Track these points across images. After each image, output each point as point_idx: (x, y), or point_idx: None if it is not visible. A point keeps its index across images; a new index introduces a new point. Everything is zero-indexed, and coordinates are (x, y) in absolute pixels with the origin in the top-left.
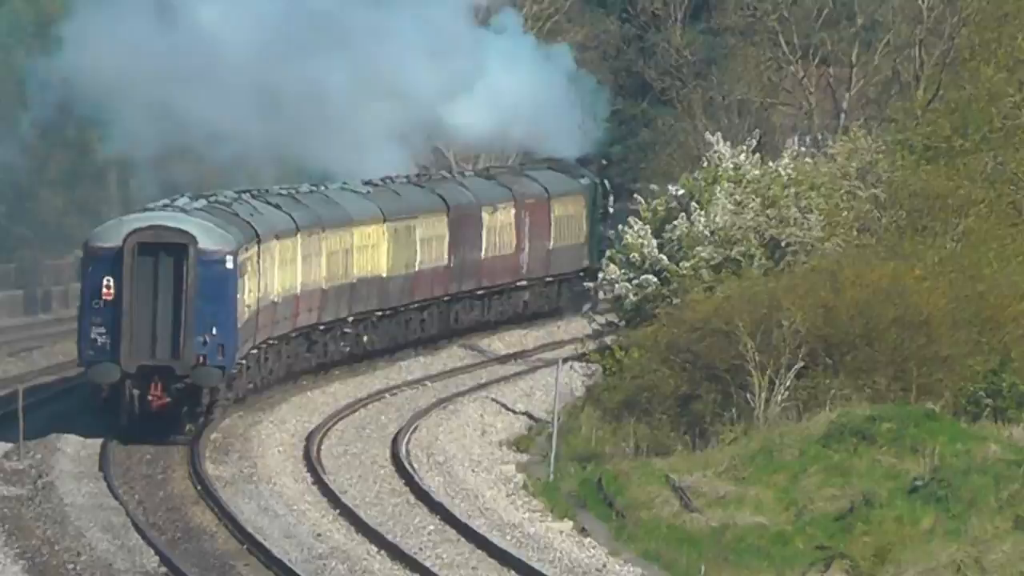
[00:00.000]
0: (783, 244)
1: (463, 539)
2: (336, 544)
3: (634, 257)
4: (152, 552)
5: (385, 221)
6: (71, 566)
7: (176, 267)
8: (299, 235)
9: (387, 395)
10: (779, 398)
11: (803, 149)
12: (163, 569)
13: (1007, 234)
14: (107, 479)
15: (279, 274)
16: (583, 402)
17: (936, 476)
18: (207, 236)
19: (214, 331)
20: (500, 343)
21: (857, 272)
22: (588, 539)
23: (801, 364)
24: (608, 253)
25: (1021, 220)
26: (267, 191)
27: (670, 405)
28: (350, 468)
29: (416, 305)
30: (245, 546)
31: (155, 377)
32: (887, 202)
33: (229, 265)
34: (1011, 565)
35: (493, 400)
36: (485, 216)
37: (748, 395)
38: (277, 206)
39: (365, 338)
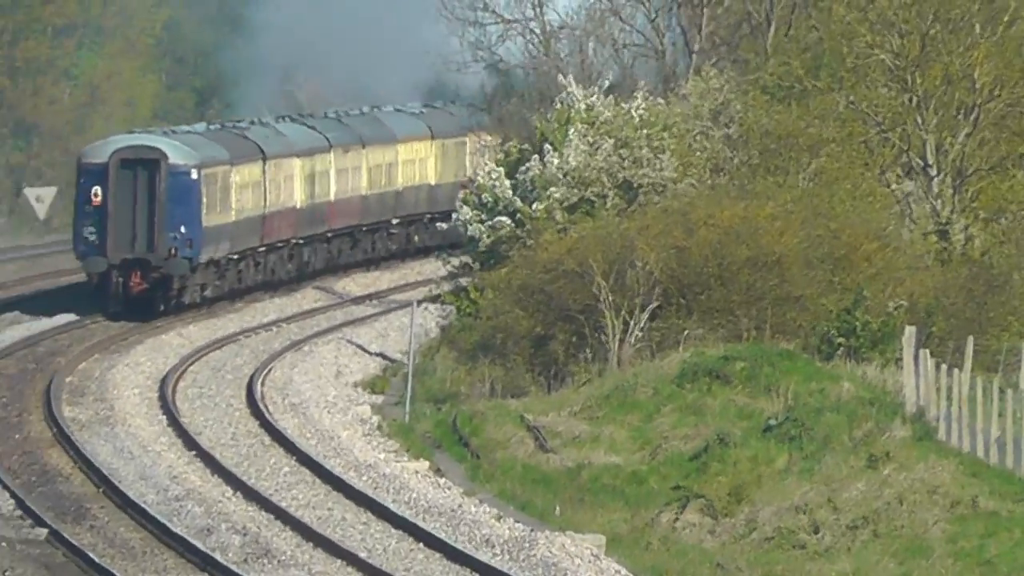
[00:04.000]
0: (636, 185)
1: (318, 480)
2: (192, 486)
3: (487, 198)
4: (8, 495)
5: (433, 139)
6: None
7: (150, 178)
8: (332, 152)
9: (242, 337)
10: (633, 338)
11: (655, 89)
12: (18, 512)
13: (859, 173)
14: None
15: (303, 185)
16: (438, 343)
17: (790, 415)
18: (176, 153)
19: (182, 229)
20: (354, 284)
21: (709, 212)
22: (444, 479)
23: (655, 304)
24: (461, 195)
25: (873, 160)
26: (311, 115)
27: (525, 346)
28: (205, 410)
29: None
30: (101, 489)
31: (135, 267)
32: (739, 142)
33: (194, 176)
34: (864, 503)
35: (348, 342)
36: None
37: (602, 336)
38: (312, 127)
39: (416, 238)
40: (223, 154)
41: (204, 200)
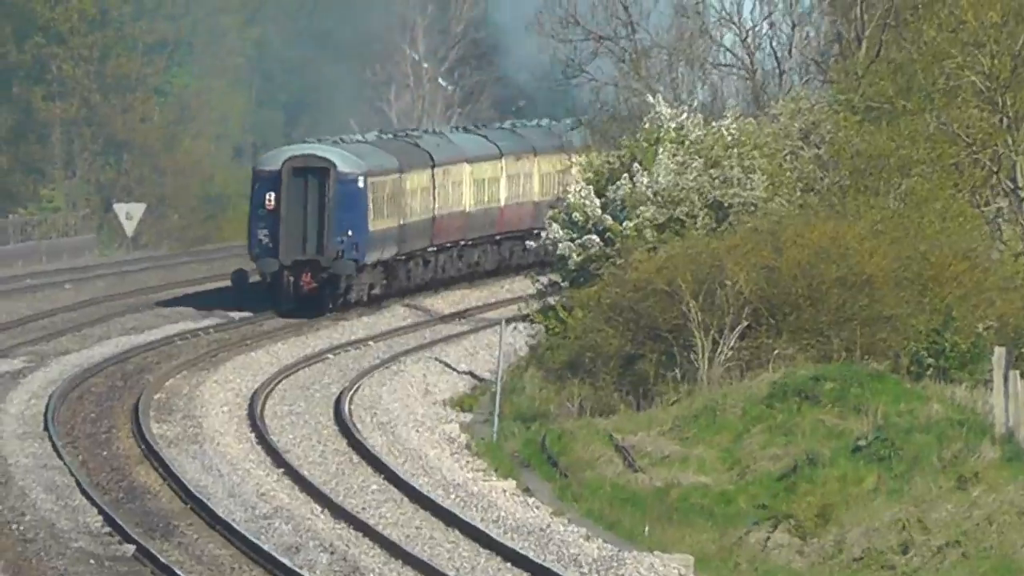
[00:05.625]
0: (726, 204)
1: (406, 498)
2: (280, 504)
3: (577, 217)
4: (96, 512)
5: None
6: (15, 526)
7: (320, 185)
8: (503, 159)
9: (330, 355)
10: (722, 358)
11: (746, 109)
12: (107, 529)
13: (949, 194)
14: (51, 439)
15: (472, 191)
16: (527, 362)
17: (879, 436)
18: (344, 162)
19: (350, 233)
20: (443, 302)
21: (798, 232)
22: (532, 499)
23: (744, 324)
24: (551, 212)
25: (963, 180)
26: (485, 125)
27: (613, 365)
28: (294, 428)
29: None
30: (189, 506)
31: (306, 268)
32: (830, 162)
33: (360, 184)
34: (954, 524)
35: (436, 360)
36: None
37: (691, 355)
38: (484, 137)
39: None
40: (391, 162)
41: (371, 206)
